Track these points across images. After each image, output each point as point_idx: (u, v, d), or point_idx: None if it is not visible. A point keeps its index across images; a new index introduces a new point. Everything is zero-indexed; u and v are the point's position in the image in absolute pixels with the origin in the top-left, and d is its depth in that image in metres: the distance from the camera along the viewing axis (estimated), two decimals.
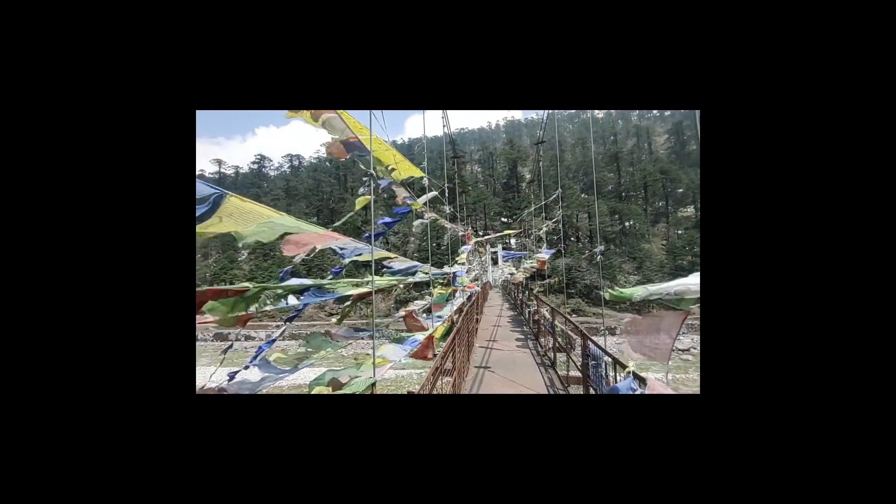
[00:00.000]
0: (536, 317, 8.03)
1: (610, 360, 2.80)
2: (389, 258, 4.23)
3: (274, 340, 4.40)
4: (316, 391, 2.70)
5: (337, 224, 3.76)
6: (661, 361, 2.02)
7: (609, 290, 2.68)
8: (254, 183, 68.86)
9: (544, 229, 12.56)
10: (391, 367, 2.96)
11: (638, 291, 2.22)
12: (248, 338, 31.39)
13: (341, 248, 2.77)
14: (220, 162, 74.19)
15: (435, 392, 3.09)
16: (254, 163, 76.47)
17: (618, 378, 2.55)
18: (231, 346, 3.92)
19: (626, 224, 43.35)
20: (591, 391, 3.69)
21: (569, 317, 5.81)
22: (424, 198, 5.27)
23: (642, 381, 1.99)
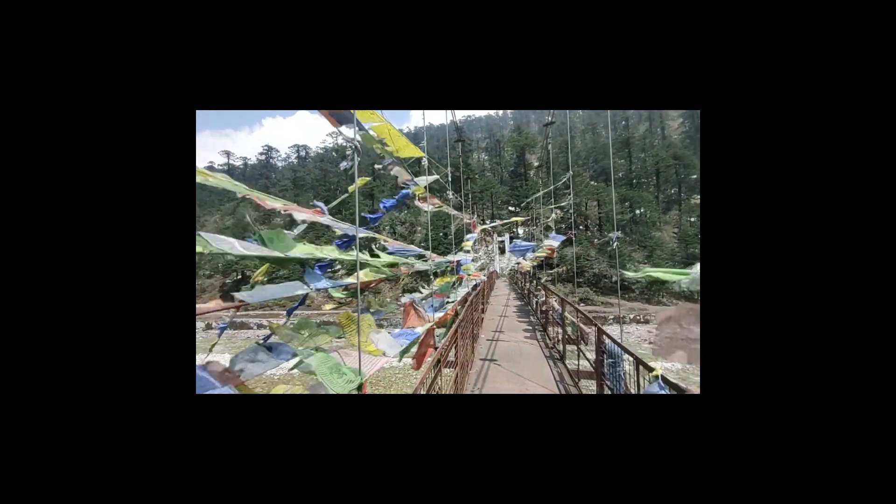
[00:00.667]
0: (545, 307, 7.72)
1: (631, 358, 2.48)
2: (384, 241, 3.92)
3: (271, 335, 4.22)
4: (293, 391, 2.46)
5: (331, 206, 3.47)
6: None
7: (645, 270, 2.29)
8: (262, 174, 69.05)
9: (553, 217, 12.10)
10: (386, 360, 2.70)
11: (686, 276, 1.82)
12: (260, 326, 32.27)
13: (341, 237, 2.49)
14: (228, 154, 74.49)
15: (436, 386, 2.89)
16: (261, 154, 76.56)
17: (641, 381, 2.24)
18: (223, 331, 3.75)
19: (637, 212, 42.24)
20: (606, 389, 3.40)
21: (580, 309, 5.47)
22: (425, 180, 4.93)
23: (672, 386, 1.68)
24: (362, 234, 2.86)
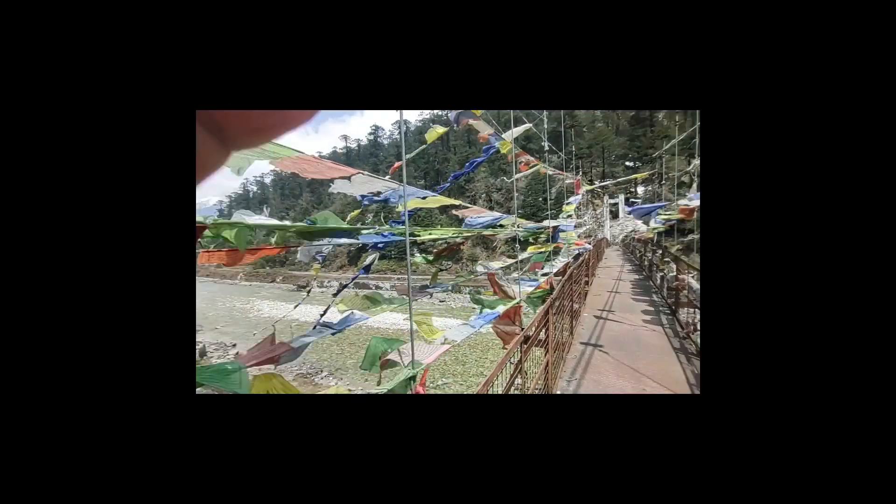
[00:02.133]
0: (675, 284, 6.04)
1: None
2: (453, 206, 3.40)
3: (345, 288, 4.43)
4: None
5: (397, 165, 3.14)
6: None
7: None
8: (371, 153, 76.74)
9: (693, 167, 9.28)
10: (446, 347, 2.32)
11: None
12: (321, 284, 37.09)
13: (365, 195, 2.19)
14: (346, 138, 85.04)
15: (522, 371, 2.44)
16: (370, 134, 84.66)
17: None
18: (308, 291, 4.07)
19: None
20: None
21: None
22: (511, 133, 4.11)
23: None
24: (412, 196, 2.42)
